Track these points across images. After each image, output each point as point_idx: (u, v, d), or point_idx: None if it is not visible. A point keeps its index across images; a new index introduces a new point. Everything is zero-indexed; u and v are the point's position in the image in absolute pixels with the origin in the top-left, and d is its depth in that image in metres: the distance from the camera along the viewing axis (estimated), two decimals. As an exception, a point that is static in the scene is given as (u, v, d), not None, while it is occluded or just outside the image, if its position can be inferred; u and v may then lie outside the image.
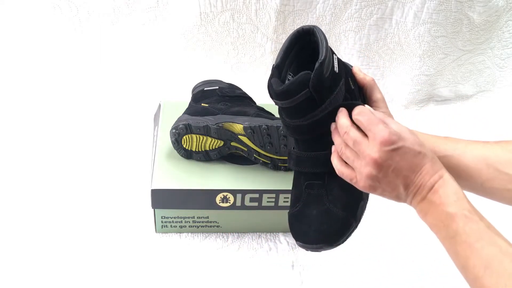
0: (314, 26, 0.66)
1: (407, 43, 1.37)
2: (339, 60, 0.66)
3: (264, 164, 0.96)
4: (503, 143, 0.67)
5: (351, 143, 0.60)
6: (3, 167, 1.08)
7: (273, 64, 0.67)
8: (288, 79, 0.67)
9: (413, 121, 1.35)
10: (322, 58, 0.61)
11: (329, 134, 0.65)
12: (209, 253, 0.94)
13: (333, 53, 0.65)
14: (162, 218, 0.96)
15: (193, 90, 1.04)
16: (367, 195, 0.69)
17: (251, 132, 0.91)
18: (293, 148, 0.70)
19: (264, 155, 0.94)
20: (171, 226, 0.97)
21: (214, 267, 0.91)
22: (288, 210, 0.73)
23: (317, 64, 0.61)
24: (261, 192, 0.93)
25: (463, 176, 0.67)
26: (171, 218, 0.96)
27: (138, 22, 1.32)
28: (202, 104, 0.99)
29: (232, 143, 0.95)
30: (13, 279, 0.86)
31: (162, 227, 0.97)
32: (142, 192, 1.02)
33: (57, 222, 0.97)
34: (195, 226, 0.98)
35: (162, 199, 0.92)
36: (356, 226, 0.68)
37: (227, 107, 0.97)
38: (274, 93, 0.64)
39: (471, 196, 0.62)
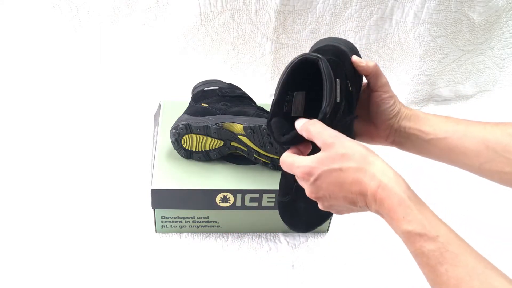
0: (319, 59, 0.62)
1: (407, 43, 1.37)
2: (340, 80, 0.65)
3: (264, 164, 0.96)
4: (502, 126, 0.67)
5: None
6: (3, 167, 1.08)
7: (273, 99, 0.66)
8: (287, 100, 0.66)
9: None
10: (327, 108, 0.61)
11: None
12: (209, 253, 0.94)
13: (336, 77, 0.64)
14: (162, 218, 0.96)
15: (193, 90, 1.04)
16: None
17: (251, 132, 0.91)
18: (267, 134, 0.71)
19: (264, 155, 0.94)
20: (171, 226, 0.97)
21: (214, 267, 0.91)
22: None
23: (320, 115, 0.61)
24: (261, 192, 0.93)
25: (462, 157, 0.68)
26: (171, 218, 0.96)
27: (138, 22, 1.32)
28: (202, 104, 0.99)
29: (232, 143, 0.95)
30: (13, 279, 0.86)
31: (162, 227, 0.97)
32: (142, 192, 1.02)
33: (57, 222, 0.97)
34: (195, 226, 0.98)
35: (162, 199, 0.92)
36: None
37: (227, 107, 0.97)
38: (275, 140, 0.65)
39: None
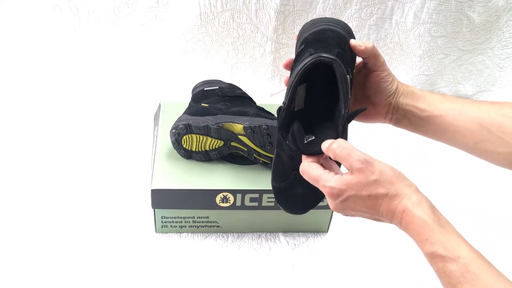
0: (334, 61, 0.62)
1: (407, 43, 1.37)
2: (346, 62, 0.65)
3: (264, 164, 0.96)
4: (498, 106, 0.67)
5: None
6: (3, 167, 1.08)
7: (284, 103, 0.65)
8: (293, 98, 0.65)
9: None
10: (346, 112, 0.62)
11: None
12: (209, 253, 0.94)
13: (347, 73, 0.64)
14: (162, 218, 0.96)
15: (193, 90, 1.04)
16: None
17: (251, 132, 0.91)
18: (286, 141, 0.67)
19: (264, 155, 0.94)
20: (171, 226, 0.97)
21: (214, 267, 0.91)
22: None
23: (341, 121, 0.62)
24: (261, 192, 0.93)
25: (457, 136, 0.68)
26: (171, 218, 0.96)
27: (138, 22, 1.32)
28: (202, 104, 0.99)
29: (232, 143, 0.95)
30: (13, 279, 0.86)
31: (162, 227, 0.97)
32: (142, 192, 1.02)
33: (57, 222, 0.97)
34: (195, 226, 0.98)
35: (162, 199, 0.92)
36: None
37: (227, 107, 0.97)
38: (297, 148, 0.63)
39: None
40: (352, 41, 0.68)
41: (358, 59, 0.72)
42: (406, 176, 0.59)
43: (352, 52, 0.68)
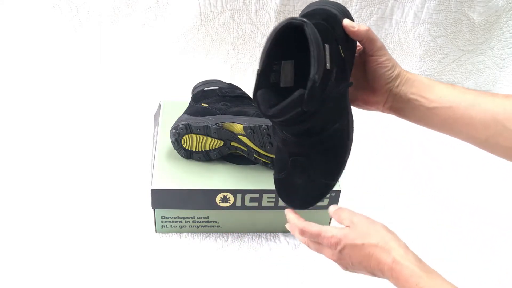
0: (305, 23, 0.57)
1: (407, 43, 1.37)
2: (330, 41, 0.61)
3: (264, 164, 0.96)
4: None
5: (316, 251, 0.67)
6: (2, 167, 1.08)
7: (258, 69, 0.61)
8: (274, 70, 0.62)
9: (416, 127, 1.34)
10: (316, 74, 0.56)
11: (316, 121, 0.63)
12: (209, 253, 0.94)
13: (325, 43, 0.59)
14: (162, 218, 0.96)
15: (193, 90, 1.04)
16: (346, 159, 0.70)
17: (251, 132, 0.91)
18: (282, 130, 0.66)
19: (264, 155, 0.94)
20: (171, 226, 0.97)
21: (214, 267, 0.91)
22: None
23: (309, 84, 0.56)
24: (261, 192, 0.93)
25: (467, 129, 0.65)
26: (171, 218, 0.96)
27: (138, 22, 1.32)
28: (202, 104, 0.99)
29: (232, 143, 0.95)
30: (13, 279, 0.86)
31: (162, 227, 0.97)
32: (142, 192, 1.02)
33: (57, 222, 0.97)
34: (195, 226, 0.98)
35: (162, 199, 0.92)
36: (335, 184, 0.70)
37: (227, 107, 0.97)
38: (261, 113, 0.60)
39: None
40: (345, 21, 0.65)
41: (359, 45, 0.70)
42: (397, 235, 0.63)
43: (345, 32, 0.66)
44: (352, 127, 0.69)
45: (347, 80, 0.66)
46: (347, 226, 0.64)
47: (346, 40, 0.66)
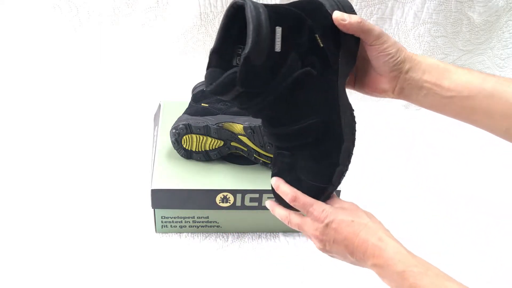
0: (245, 3, 0.55)
1: (407, 43, 1.37)
2: (293, 22, 0.58)
3: (264, 164, 0.96)
4: None
5: (296, 227, 0.65)
6: (3, 167, 1.08)
7: (211, 49, 0.59)
8: (238, 53, 0.60)
9: (413, 121, 1.35)
10: (247, 50, 0.53)
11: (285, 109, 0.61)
12: (209, 253, 0.94)
13: (277, 25, 0.56)
14: (162, 218, 0.96)
15: (193, 90, 1.04)
16: (346, 161, 0.66)
17: (251, 132, 0.91)
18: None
19: (264, 155, 0.94)
20: (171, 226, 0.97)
21: (214, 267, 0.91)
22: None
23: (241, 60, 0.53)
24: (261, 192, 0.93)
25: (486, 119, 0.62)
26: (171, 218, 0.96)
27: (138, 22, 1.32)
28: (202, 104, 0.99)
29: (232, 143, 0.95)
30: (13, 279, 0.86)
31: (162, 227, 0.97)
32: (142, 192, 1.02)
33: (57, 222, 0.97)
34: (195, 226, 0.98)
35: (162, 199, 0.92)
36: (333, 190, 0.66)
37: (227, 107, 0.97)
38: (206, 90, 0.59)
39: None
40: (334, 14, 0.61)
41: None
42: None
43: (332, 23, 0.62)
44: (350, 127, 0.65)
45: (335, 73, 0.62)
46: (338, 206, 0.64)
47: (330, 30, 0.62)
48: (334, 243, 0.62)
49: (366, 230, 0.60)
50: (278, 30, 0.56)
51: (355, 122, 0.66)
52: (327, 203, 0.64)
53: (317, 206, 0.62)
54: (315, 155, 0.63)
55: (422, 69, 0.63)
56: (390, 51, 0.62)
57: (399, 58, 0.63)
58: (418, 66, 0.63)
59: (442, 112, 0.66)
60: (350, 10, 0.64)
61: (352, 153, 0.66)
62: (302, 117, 0.61)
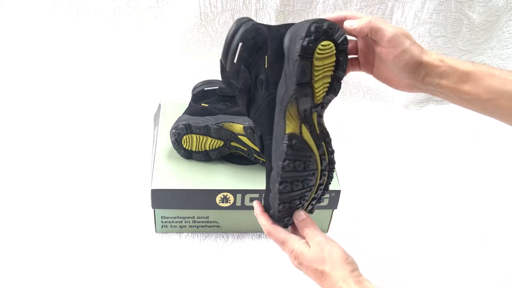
0: (243, 23, 0.68)
1: (407, 43, 1.37)
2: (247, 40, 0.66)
3: (264, 164, 0.96)
4: None
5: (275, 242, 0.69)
6: (3, 167, 1.08)
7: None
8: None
9: (413, 121, 1.35)
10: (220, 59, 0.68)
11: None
12: (209, 253, 0.94)
13: (242, 42, 0.66)
14: (162, 218, 0.96)
15: (193, 90, 1.04)
16: (275, 188, 0.66)
17: (251, 132, 0.91)
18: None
19: (264, 155, 0.94)
20: (171, 226, 0.97)
21: (214, 267, 0.91)
22: None
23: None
24: (261, 192, 0.92)
25: (508, 118, 0.61)
26: (171, 218, 0.96)
27: (138, 22, 1.32)
28: (202, 104, 0.99)
29: (232, 143, 0.95)
30: (13, 279, 0.86)
31: (162, 227, 0.97)
32: (142, 192, 1.02)
33: (57, 222, 0.97)
34: (195, 226, 0.98)
35: (162, 199, 0.92)
36: (274, 213, 0.68)
37: (227, 107, 0.97)
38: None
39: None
40: (345, 24, 0.61)
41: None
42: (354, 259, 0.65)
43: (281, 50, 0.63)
44: (279, 156, 0.64)
45: (272, 93, 0.64)
46: (308, 243, 0.66)
47: (278, 56, 0.63)
48: (306, 273, 0.67)
49: (328, 280, 0.63)
50: (239, 45, 0.67)
51: (288, 153, 0.63)
52: (303, 231, 0.67)
53: (288, 245, 0.66)
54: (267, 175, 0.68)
55: (439, 74, 0.60)
56: (404, 58, 0.59)
57: (413, 65, 0.60)
58: (435, 70, 0.60)
59: (464, 107, 0.64)
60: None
61: (280, 182, 0.64)
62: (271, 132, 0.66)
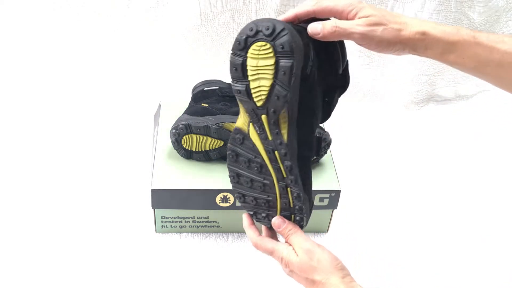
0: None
1: (407, 43, 1.37)
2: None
3: (264, 164, 0.96)
4: None
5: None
6: (3, 167, 1.08)
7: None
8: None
9: (413, 121, 1.35)
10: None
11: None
12: (209, 253, 0.94)
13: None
14: (162, 218, 0.96)
15: (193, 90, 1.04)
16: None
17: (251, 132, 0.91)
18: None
19: (264, 155, 0.94)
20: (171, 226, 0.97)
21: (214, 267, 0.91)
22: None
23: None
24: (261, 192, 0.93)
25: (497, 81, 0.62)
26: (171, 218, 0.96)
27: (138, 22, 1.32)
28: (202, 104, 0.99)
29: (232, 143, 0.95)
30: (13, 279, 0.86)
31: (162, 227, 0.97)
32: (142, 192, 1.02)
33: (58, 222, 0.97)
34: (195, 226, 0.98)
35: (162, 199, 0.92)
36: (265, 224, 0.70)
37: (227, 107, 0.97)
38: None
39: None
40: (308, 29, 0.59)
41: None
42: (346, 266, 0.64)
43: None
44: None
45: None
46: (296, 251, 0.65)
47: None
48: (298, 280, 0.66)
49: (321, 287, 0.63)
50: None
51: (231, 144, 0.67)
52: (288, 239, 0.66)
53: (277, 254, 0.66)
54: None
55: (423, 47, 0.60)
56: (382, 44, 0.59)
57: (395, 44, 0.59)
58: (418, 44, 0.59)
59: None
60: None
61: (229, 170, 0.67)
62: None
